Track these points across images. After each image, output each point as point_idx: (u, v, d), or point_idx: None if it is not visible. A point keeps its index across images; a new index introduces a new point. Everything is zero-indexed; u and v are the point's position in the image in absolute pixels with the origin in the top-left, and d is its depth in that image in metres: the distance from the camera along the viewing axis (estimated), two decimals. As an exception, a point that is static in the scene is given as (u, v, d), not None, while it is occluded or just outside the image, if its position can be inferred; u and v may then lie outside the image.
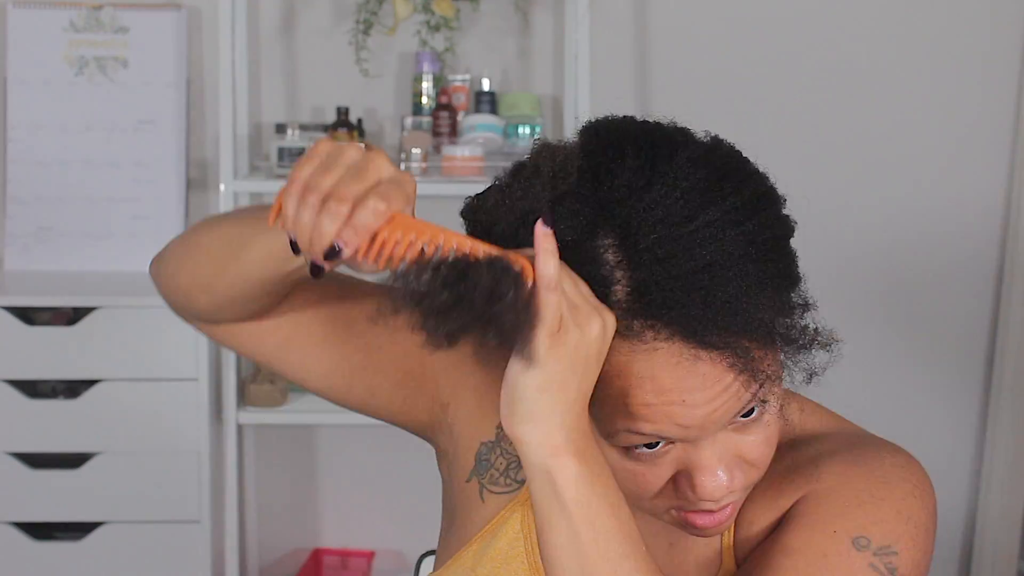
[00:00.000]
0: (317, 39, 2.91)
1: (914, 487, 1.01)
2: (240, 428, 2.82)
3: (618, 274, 0.89)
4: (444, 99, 2.80)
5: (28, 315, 2.58)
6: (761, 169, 0.97)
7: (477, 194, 0.96)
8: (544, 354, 0.85)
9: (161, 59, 2.82)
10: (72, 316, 2.58)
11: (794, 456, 1.05)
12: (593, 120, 0.98)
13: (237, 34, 2.74)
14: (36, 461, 2.59)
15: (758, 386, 0.92)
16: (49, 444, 2.58)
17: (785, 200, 0.97)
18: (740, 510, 1.04)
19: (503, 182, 0.94)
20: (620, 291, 0.89)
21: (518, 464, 1.10)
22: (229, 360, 2.69)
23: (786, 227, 0.96)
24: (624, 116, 0.98)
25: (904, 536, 0.99)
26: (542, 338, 0.85)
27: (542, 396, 0.86)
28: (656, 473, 0.96)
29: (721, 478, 0.94)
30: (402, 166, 2.71)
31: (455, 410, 1.14)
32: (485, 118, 2.77)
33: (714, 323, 0.88)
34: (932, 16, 2.99)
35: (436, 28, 2.77)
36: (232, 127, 2.68)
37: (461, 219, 0.96)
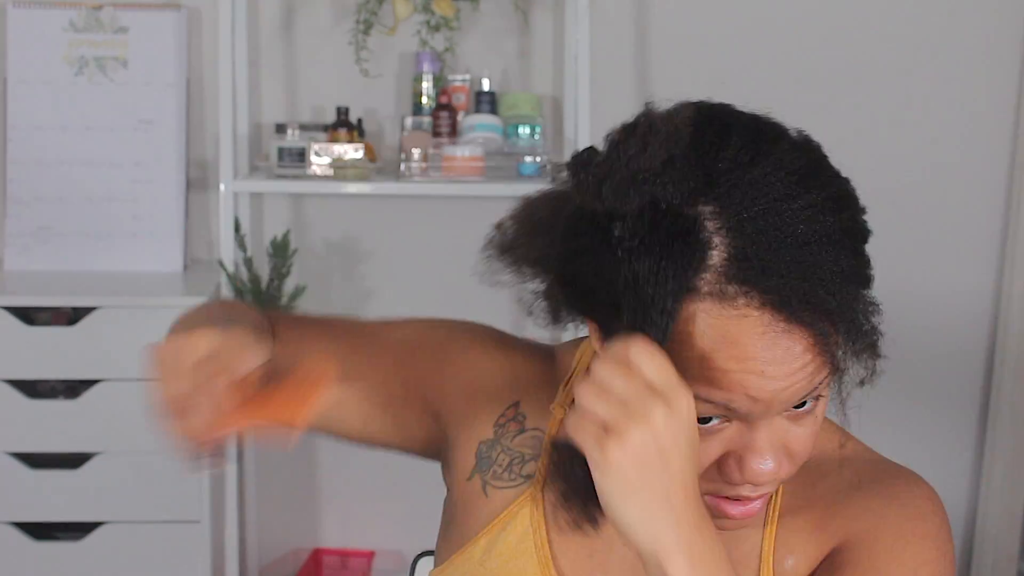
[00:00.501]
0: (317, 39, 2.91)
1: (943, 521, 1.09)
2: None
3: (716, 239, 0.90)
4: (444, 99, 2.80)
5: (28, 315, 2.57)
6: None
7: (587, 147, 0.97)
8: (604, 464, 0.87)
9: (161, 59, 2.82)
10: (72, 316, 2.58)
11: (831, 481, 1.09)
12: (691, 101, 0.99)
13: (237, 34, 2.75)
14: (36, 461, 2.59)
15: (827, 374, 0.94)
16: (49, 444, 2.58)
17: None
18: (780, 533, 1.07)
19: (615, 138, 0.95)
20: (717, 256, 0.90)
21: (522, 459, 1.11)
22: (229, 360, 2.69)
23: (867, 229, 0.98)
24: (722, 102, 1.01)
25: (944, 574, 1.07)
26: (591, 454, 0.87)
27: (628, 501, 0.87)
28: (706, 450, 0.96)
29: (770, 463, 0.96)
30: (402, 166, 2.71)
31: (447, 416, 1.15)
32: (485, 118, 2.77)
33: (808, 298, 0.90)
34: (932, 16, 2.99)
35: (436, 28, 2.78)
36: (232, 127, 2.68)
37: (568, 170, 0.97)
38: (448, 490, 1.17)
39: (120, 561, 2.61)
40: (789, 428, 0.97)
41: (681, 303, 0.90)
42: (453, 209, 2.95)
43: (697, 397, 0.92)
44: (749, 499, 0.98)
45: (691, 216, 0.90)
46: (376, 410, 1.16)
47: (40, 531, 2.63)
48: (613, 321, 0.92)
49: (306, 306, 2.94)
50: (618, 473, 0.87)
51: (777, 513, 1.08)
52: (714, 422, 0.95)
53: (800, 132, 1.00)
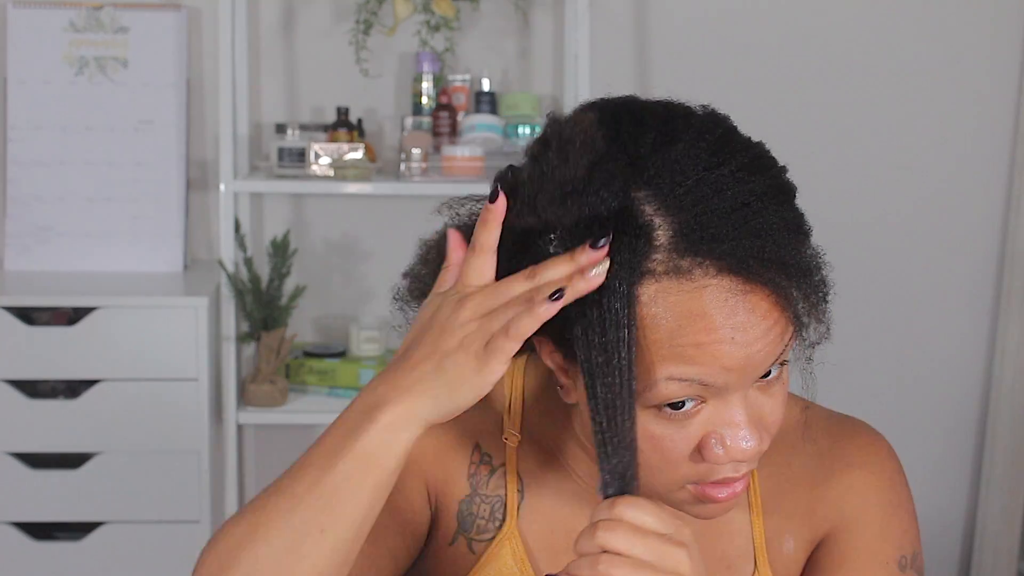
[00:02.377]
0: (317, 39, 2.91)
1: (903, 475, 1.14)
2: (240, 428, 2.82)
3: (658, 220, 0.91)
4: (444, 99, 2.80)
5: (28, 315, 2.58)
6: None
7: (510, 166, 0.97)
8: None
9: (161, 59, 2.82)
10: (72, 316, 2.58)
11: (801, 460, 1.12)
12: (592, 100, 1.00)
13: (237, 34, 2.75)
14: (36, 461, 2.59)
15: (792, 333, 0.95)
16: (49, 444, 2.58)
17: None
18: (770, 519, 1.10)
19: (535, 153, 0.96)
20: (663, 235, 0.91)
21: (501, 502, 1.11)
22: (229, 360, 2.69)
23: (793, 185, 0.99)
24: (624, 95, 1.01)
25: (916, 535, 1.12)
26: None
27: None
28: (684, 436, 0.96)
29: (751, 435, 0.97)
30: (402, 166, 2.71)
31: (434, 492, 1.12)
32: (485, 118, 2.77)
33: (762, 254, 0.91)
34: (932, 15, 2.99)
35: (436, 28, 2.78)
36: (232, 127, 2.68)
37: (498, 189, 0.97)
38: (420, 558, 1.13)
39: (120, 561, 2.61)
40: (761, 400, 0.98)
41: (637, 289, 0.91)
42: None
43: (671, 378, 0.93)
44: (733, 480, 0.99)
45: (628, 209, 0.91)
46: (402, 541, 1.10)
47: (40, 531, 2.63)
48: (566, 330, 0.93)
49: (306, 306, 2.94)
50: None
51: (760, 499, 1.10)
52: (689, 405, 0.95)
53: (705, 107, 1.00)
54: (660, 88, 3.31)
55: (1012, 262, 3.02)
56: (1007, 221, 3.05)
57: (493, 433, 1.12)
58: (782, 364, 0.97)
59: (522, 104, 2.82)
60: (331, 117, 2.86)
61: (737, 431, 0.96)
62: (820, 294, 0.97)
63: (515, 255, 0.95)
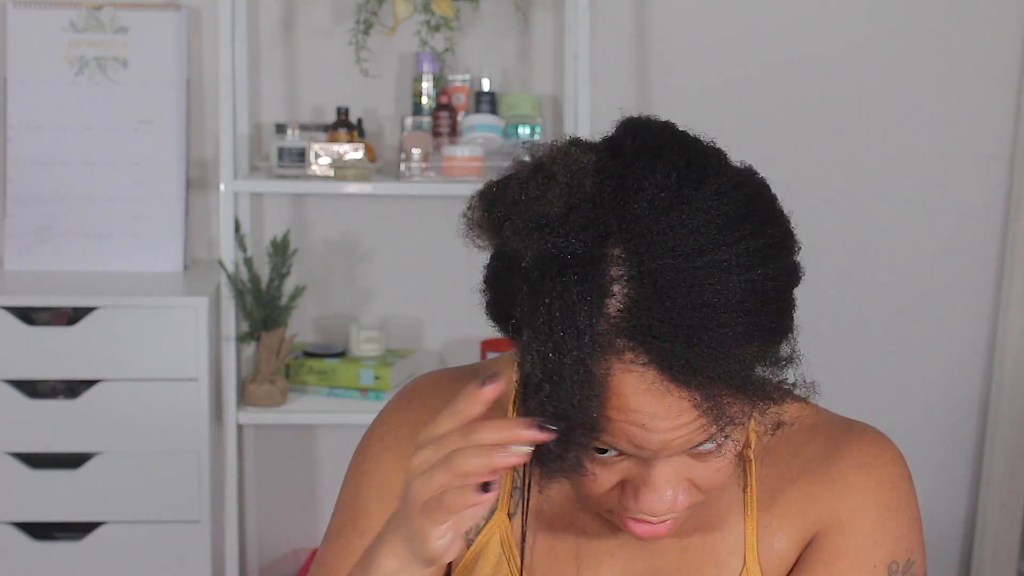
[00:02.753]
0: (317, 39, 2.91)
1: (908, 477, 1.09)
2: (240, 428, 2.82)
3: (616, 288, 0.89)
4: (444, 99, 2.80)
5: (28, 315, 2.57)
6: (784, 210, 0.98)
7: (496, 181, 0.96)
8: None
9: (161, 59, 2.82)
10: (72, 316, 2.58)
11: (801, 459, 1.09)
12: (634, 117, 0.98)
13: (237, 34, 2.75)
14: (36, 461, 2.59)
15: (720, 428, 0.93)
16: (49, 444, 2.57)
17: (800, 248, 0.98)
18: (764, 517, 1.08)
19: (523, 177, 0.94)
20: (613, 305, 0.89)
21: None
22: (229, 360, 2.69)
23: (792, 278, 0.96)
24: (665, 122, 0.98)
25: (916, 543, 1.08)
26: None
27: None
28: (605, 476, 0.97)
29: (666, 498, 0.96)
30: (402, 166, 2.71)
31: None
32: (485, 118, 2.77)
33: (691, 365, 0.88)
34: (932, 17, 2.99)
35: (436, 28, 2.78)
36: (232, 127, 2.68)
37: (477, 201, 0.96)
38: None
39: (120, 561, 2.61)
40: (692, 464, 0.96)
41: (591, 352, 0.89)
42: (453, 209, 2.92)
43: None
44: (651, 522, 0.98)
45: (598, 257, 0.89)
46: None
47: (40, 531, 2.63)
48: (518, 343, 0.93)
49: (306, 306, 2.94)
50: None
51: (755, 499, 1.09)
52: (611, 453, 0.95)
53: (744, 165, 0.97)
54: (660, 88, 3.30)
55: (1012, 262, 3.01)
56: (1007, 221, 3.05)
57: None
58: (725, 438, 0.95)
59: (522, 104, 2.82)
60: (331, 117, 2.86)
61: (651, 491, 0.95)
62: (768, 399, 0.93)
63: (491, 280, 0.95)
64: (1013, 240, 3.02)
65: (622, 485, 0.97)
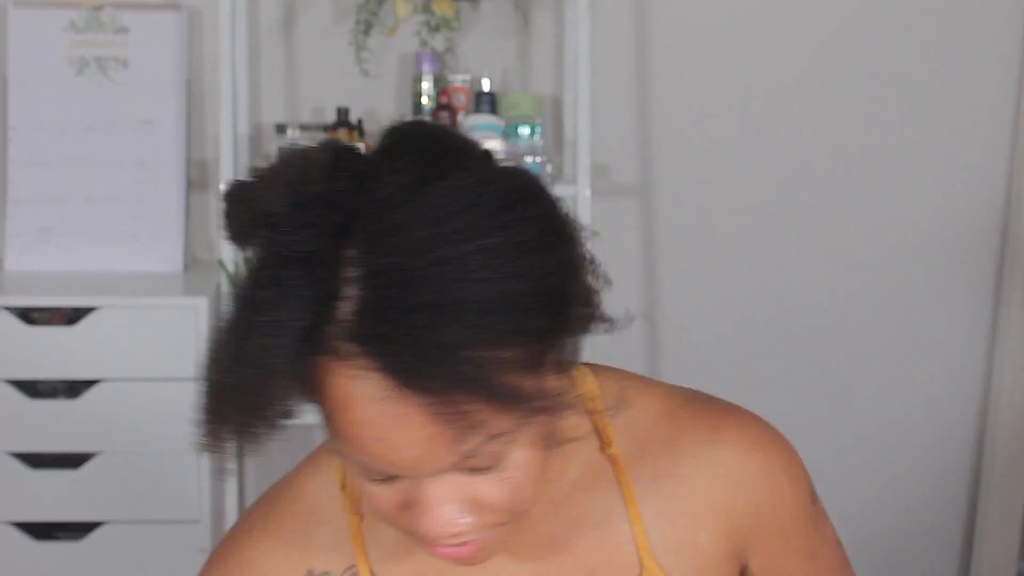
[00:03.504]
0: (317, 39, 2.91)
1: (794, 459, 1.08)
2: (240, 428, 2.81)
3: (348, 290, 0.84)
4: (444, 99, 2.80)
5: (28, 315, 2.58)
6: (556, 205, 0.90)
7: (239, 180, 0.91)
8: None
9: (161, 59, 2.82)
10: (72, 316, 2.58)
11: (678, 452, 1.05)
12: (400, 122, 0.93)
13: (237, 34, 2.74)
14: (36, 461, 2.59)
15: (477, 444, 0.86)
16: (49, 444, 2.58)
17: (571, 243, 0.89)
18: (651, 510, 1.03)
19: (257, 174, 0.89)
20: (344, 308, 0.84)
21: None
22: (229, 360, 2.69)
23: (554, 277, 0.86)
24: (436, 125, 0.94)
25: (805, 478, 1.09)
26: None
27: None
28: (385, 495, 0.91)
29: (443, 519, 0.89)
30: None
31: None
32: (485, 118, 2.77)
33: (420, 369, 0.81)
34: (932, 17, 2.99)
35: (436, 28, 2.78)
36: (232, 127, 2.68)
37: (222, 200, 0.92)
38: None
39: (120, 561, 2.61)
40: (473, 480, 0.89)
41: (313, 357, 0.84)
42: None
43: (340, 452, 0.90)
44: (451, 546, 0.92)
45: (328, 259, 0.84)
46: None
47: (40, 531, 2.63)
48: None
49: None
50: None
51: (632, 496, 1.04)
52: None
53: (506, 164, 0.91)
54: (660, 88, 3.31)
55: (1012, 262, 3.01)
56: (1007, 221, 3.05)
57: (328, 545, 1.06)
58: (499, 440, 0.87)
59: (522, 104, 2.82)
60: (331, 117, 2.86)
61: (426, 512, 0.89)
62: (526, 408, 0.85)
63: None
64: (1013, 240, 3.02)
65: (407, 508, 0.91)
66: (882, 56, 3.00)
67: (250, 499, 3.02)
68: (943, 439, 3.12)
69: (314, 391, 0.87)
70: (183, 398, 2.57)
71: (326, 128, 2.81)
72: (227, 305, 0.87)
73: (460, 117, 2.82)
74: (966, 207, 3.06)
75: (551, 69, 2.94)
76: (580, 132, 2.68)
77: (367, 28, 2.77)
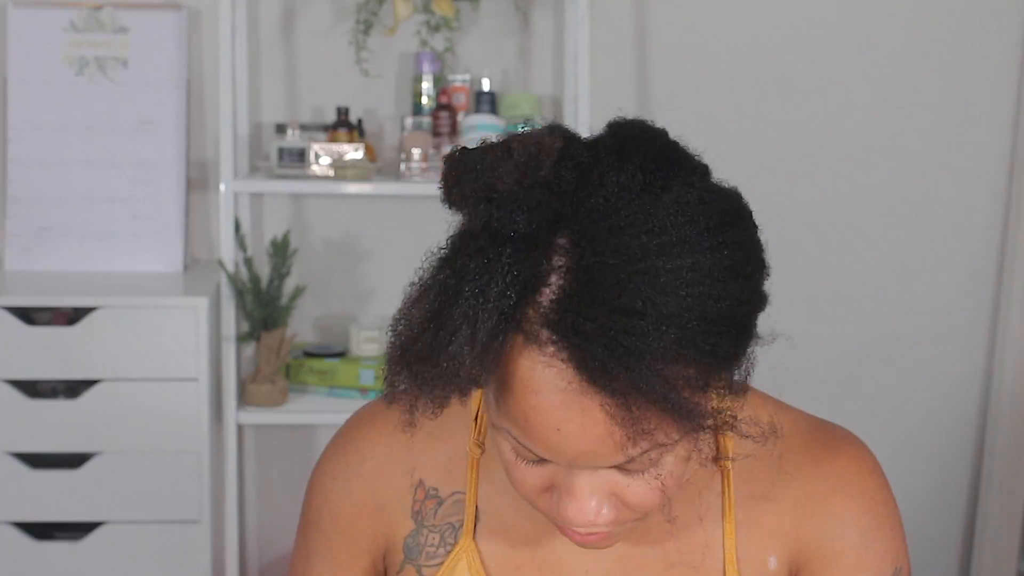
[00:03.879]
0: (317, 39, 2.91)
1: (887, 491, 1.10)
2: (240, 428, 2.82)
3: (554, 278, 0.86)
4: (444, 99, 2.80)
5: (28, 315, 2.57)
6: (759, 239, 0.93)
7: (465, 147, 0.94)
8: None
9: (161, 59, 2.82)
10: (72, 316, 2.58)
11: (787, 475, 1.08)
12: (625, 118, 0.96)
13: (237, 34, 2.75)
14: (36, 461, 2.59)
15: (643, 450, 0.89)
16: (49, 444, 2.57)
17: (767, 275, 0.92)
18: (747, 528, 1.07)
19: (485, 148, 0.92)
20: (546, 296, 0.86)
21: (452, 528, 1.11)
22: (229, 360, 2.69)
23: (747, 305, 0.89)
24: (657, 128, 0.96)
25: (901, 549, 1.09)
26: None
27: None
28: (534, 475, 0.95)
29: (587, 509, 0.92)
30: (402, 166, 2.71)
31: (376, 551, 1.15)
32: (485, 118, 2.77)
33: (606, 368, 0.84)
34: (932, 16, 2.99)
35: (436, 28, 2.78)
36: (232, 127, 2.68)
37: (443, 162, 0.95)
38: None
39: (120, 561, 2.61)
40: (621, 479, 0.93)
41: (502, 332, 0.86)
42: (453, 209, 2.95)
43: (509, 432, 0.92)
44: (580, 534, 0.96)
45: (545, 243, 0.86)
46: None
47: (40, 531, 2.63)
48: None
49: (306, 306, 2.94)
50: None
51: (732, 505, 1.07)
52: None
53: (727, 186, 0.93)
54: (660, 88, 3.30)
55: (1012, 262, 3.02)
56: (1007, 221, 3.05)
57: (439, 460, 1.11)
58: (661, 449, 0.90)
59: (522, 104, 2.82)
60: (331, 117, 2.86)
61: (572, 500, 0.92)
62: (697, 426, 0.88)
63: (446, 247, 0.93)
64: (1013, 240, 3.02)
65: (551, 490, 0.95)
66: (882, 56, 3.00)
67: (250, 499, 3.02)
68: (943, 440, 3.12)
69: (497, 366, 0.89)
70: (183, 398, 2.58)
71: (326, 127, 2.81)
72: (427, 263, 0.91)
73: (460, 117, 2.82)
74: (966, 208, 3.06)
75: (551, 69, 2.94)
76: (580, 132, 2.67)
77: (367, 28, 2.77)
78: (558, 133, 0.92)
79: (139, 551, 2.61)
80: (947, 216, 3.06)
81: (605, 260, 0.85)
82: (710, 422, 0.88)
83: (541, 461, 0.93)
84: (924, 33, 3.00)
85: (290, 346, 2.79)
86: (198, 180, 2.92)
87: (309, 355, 2.84)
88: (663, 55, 2.96)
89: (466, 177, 0.90)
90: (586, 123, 2.68)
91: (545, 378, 0.86)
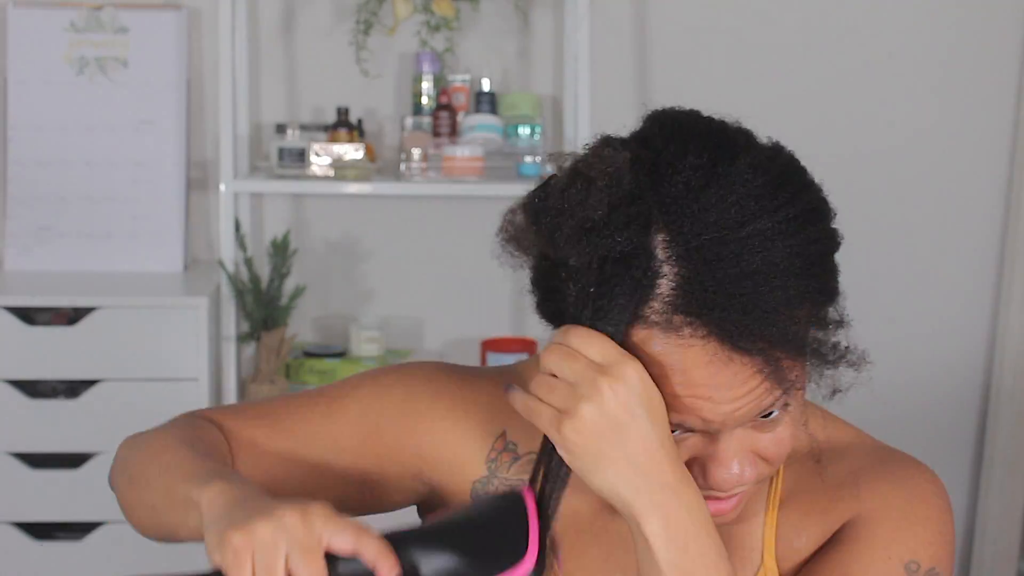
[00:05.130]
0: (317, 39, 2.91)
1: (946, 504, 1.09)
2: (240, 428, 2.81)
3: (666, 268, 0.92)
4: (444, 99, 2.80)
5: (28, 315, 2.57)
6: (816, 180, 1.00)
7: (536, 192, 0.98)
8: (566, 445, 0.94)
9: (161, 59, 2.82)
10: (72, 316, 2.58)
11: (833, 470, 1.10)
12: (659, 109, 1.00)
13: (237, 34, 2.75)
14: (36, 461, 2.59)
15: (782, 392, 0.95)
16: (49, 444, 2.57)
17: (835, 214, 1.01)
18: (785, 515, 1.09)
19: (562, 185, 0.96)
20: (665, 285, 0.92)
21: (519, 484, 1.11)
22: (229, 360, 2.69)
23: (832, 241, 0.99)
24: (690, 110, 1.01)
25: (944, 557, 1.07)
26: (554, 439, 0.94)
27: (598, 474, 0.94)
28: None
29: (734, 471, 0.98)
30: (402, 166, 2.71)
31: (431, 472, 1.14)
32: (485, 118, 2.77)
33: (749, 331, 0.91)
34: (932, 17, 2.99)
35: (436, 28, 2.78)
36: (232, 127, 2.68)
37: (521, 214, 0.98)
38: None
39: (120, 561, 2.60)
40: (756, 436, 0.99)
41: (629, 329, 0.93)
42: (453, 209, 2.95)
43: None
44: (720, 498, 1.01)
45: (643, 249, 0.92)
46: (352, 489, 1.14)
47: (40, 531, 2.63)
48: None
49: (306, 306, 2.94)
50: (580, 450, 0.93)
51: (777, 499, 1.10)
52: (676, 433, 0.97)
53: (771, 142, 1.00)
54: (660, 88, 3.30)
55: (1012, 262, 3.02)
56: (1007, 221, 3.05)
57: (527, 424, 1.10)
58: (785, 406, 0.98)
59: (522, 104, 2.82)
60: (331, 117, 2.86)
61: (720, 466, 0.98)
62: (824, 360, 0.97)
63: (539, 281, 0.98)
64: (1013, 240, 3.02)
65: (689, 465, 0.99)
66: (882, 56, 3.00)
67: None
68: (943, 439, 3.12)
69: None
70: (183, 398, 2.58)
71: (326, 128, 2.81)
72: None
73: (460, 117, 2.82)
74: (966, 207, 3.06)
75: (551, 69, 2.94)
76: (580, 132, 2.68)
77: (367, 28, 2.77)
78: (615, 144, 0.97)
79: (139, 551, 2.60)
80: (947, 215, 3.06)
81: (710, 236, 0.91)
82: (834, 356, 0.97)
83: (680, 440, 0.97)
84: (924, 33, 3.00)
85: (290, 346, 2.79)
86: (198, 180, 2.92)
87: (309, 355, 2.84)
88: (663, 55, 2.96)
89: (561, 221, 0.94)
90: (586, 123, 2.68)
91: (688, 357, 0.92)
